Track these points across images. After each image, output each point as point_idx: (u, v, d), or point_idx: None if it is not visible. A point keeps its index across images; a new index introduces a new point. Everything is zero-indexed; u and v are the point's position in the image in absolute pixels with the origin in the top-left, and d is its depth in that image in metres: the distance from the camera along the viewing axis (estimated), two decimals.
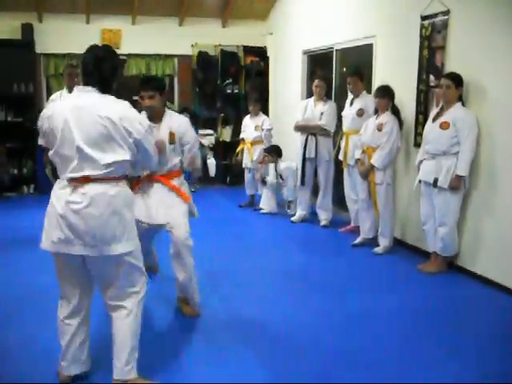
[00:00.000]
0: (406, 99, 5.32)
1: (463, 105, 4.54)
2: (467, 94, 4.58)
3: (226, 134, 9.37)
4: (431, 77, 5.02)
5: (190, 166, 3.86)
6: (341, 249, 5.59)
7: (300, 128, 6.39)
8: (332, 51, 6.98)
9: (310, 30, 7.53)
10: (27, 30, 8.07)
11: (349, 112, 5.89)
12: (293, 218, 6.66)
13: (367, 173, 5.36)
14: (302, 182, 6.46)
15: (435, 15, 4.89)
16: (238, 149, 7.69)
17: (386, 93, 5.22)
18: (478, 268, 4.58)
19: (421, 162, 4.81)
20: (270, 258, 5.34)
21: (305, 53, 7.84)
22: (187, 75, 9.19)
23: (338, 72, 7.00)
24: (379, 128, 5.18)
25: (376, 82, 5.83)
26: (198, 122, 8.76)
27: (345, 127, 5.96)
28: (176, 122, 3.72)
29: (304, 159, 6.35)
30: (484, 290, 4.39)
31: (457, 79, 4.49)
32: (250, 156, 7.40)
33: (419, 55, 5.15)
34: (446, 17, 4.77)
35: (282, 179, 6.97)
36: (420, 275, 4.75)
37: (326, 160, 6.31)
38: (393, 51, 5.65)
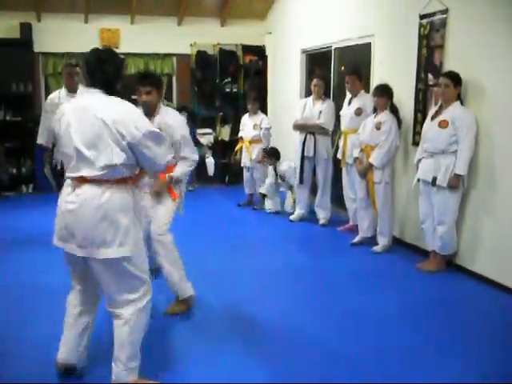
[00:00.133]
0: (405, 98, 5.33)
1: (462, 104, 4.55)
2: (466, 93, 4.58)
3: (225, 132, 9.37)
4: (430, 75, 5.03)
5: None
6: (339, 248, 5.59)
7: (298, 127, 6.40)
8: (330, 50, 6.98)
9: (308, 29, 7.53)
10: (26, 29, 8.06)
11: (347, 111, 5.89)
12: (291, 217, 6.66)
13: (366, 171, 5.36)
14: (301, 181, 6.47)
15: (434, 14, 4.89)
16: (237, 148, 7.69)
17: (384, 92, 5.22)
18: (477, 267, 4.59)
19: (419, 160, 4.82)
20: (268, 257, 5.35)
21: (303, 52, 7.84)
22: (186, 74, 9.20)
23: (337, 71, 7.00)
24: (378, 127, 5.18)
25: (374, 81, 5.83)
26: (196, 121, 8.77)
27: (343, 126, 5.96)
28: (171, 118, 3.76)
29: (302, 158, 6.36)
30: (483, 289, 4.40)
31: (455, 78, 4.49)
32: (248, 155, 7.40)
33: (418, 54, 5.15)
34: (444, 15, 4.77)
35: (283, 180, 6.98)
36: (419, 274, 4.76)
37: (324, 159, 6.31)
38: (391, 50, 5.65)
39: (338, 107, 6.21)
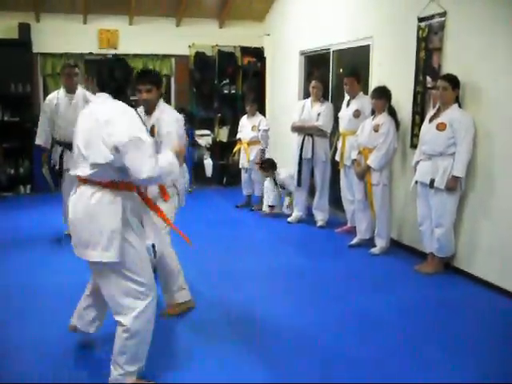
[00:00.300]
0: (403, 100, 5.34)
1: (460, 106, 4.56)
2: (464, 96, 4.60)
3: (223, 134, 9.38)
4: (428, 78, 5.04)
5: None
6: (337, 249, 5.60)
7: (297, 129, 6.40)
8: (329, 52, 7.00)
9: (307, 31, 7.55)
10: (24, 29, 8.06)
11: (345, 113, 5.90)
12: (289, 219, 6.67)
13: (363, 173, 5.37)
14: (299, 183, 6.47)
15: (432, 17, 4.91)
16: (235, 149, 7.70)
17: (382, 94, 5.23)
18: (475, 269, 4.60)
19: (417, 162, 4.84)
20: (266, 259, 5.35)
21: (302, 54, 7.86)
22: (184, 75, 9.20)
23: (335, 73, 7.02)
24: (376, 129, 5.20)
25: (373, 83, 5.85)
26: (194, 123, 8.77)
27: (341, 128, 5.97)
28: (168, 115, 3.81)
29: (300, 160, 6.36)
30: (480, 291, 4.41)
31: (453, 81, 4.51)
32: (246, 156, 7.41)
33: (416, 56, 5.17)
34: (442, 18, 4.79)
35: (283, 188, 6.98)
36: (417, 276, 4.76)
37: (322, 161, 6.32)
38: (390, 52, 5.67)
39: (337, 109, 6.22)
